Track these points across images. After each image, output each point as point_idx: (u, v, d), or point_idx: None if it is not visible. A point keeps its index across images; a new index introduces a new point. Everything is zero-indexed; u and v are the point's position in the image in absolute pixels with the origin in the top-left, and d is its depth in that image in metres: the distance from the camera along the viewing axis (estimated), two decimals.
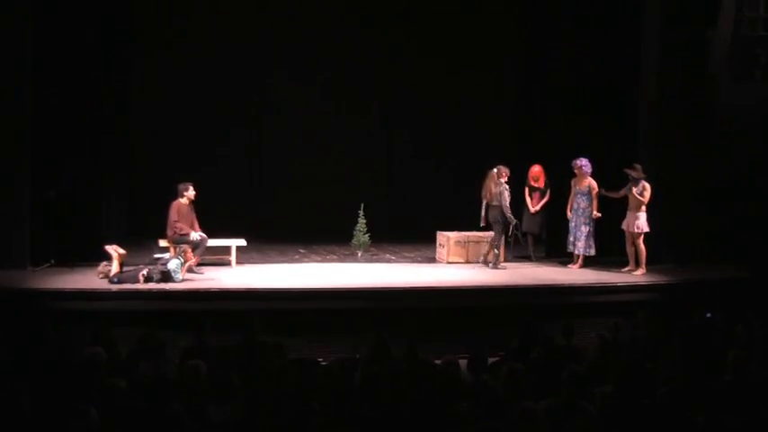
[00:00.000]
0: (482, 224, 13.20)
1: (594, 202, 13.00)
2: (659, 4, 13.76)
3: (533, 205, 13.78)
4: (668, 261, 13.26)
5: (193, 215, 12.31)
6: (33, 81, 11.96)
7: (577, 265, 13.19)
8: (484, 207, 13.13)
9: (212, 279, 11.83)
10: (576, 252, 13.17)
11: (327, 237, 14.43)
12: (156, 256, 12.36)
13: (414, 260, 13.90)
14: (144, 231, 13.50)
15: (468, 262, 13.50)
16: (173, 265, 11.41)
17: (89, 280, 11.40)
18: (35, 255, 11.96)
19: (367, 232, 13.54)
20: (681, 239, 13.41)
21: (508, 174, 13.07)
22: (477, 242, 13.59)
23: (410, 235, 14.78)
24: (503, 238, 13.07)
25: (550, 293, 12.09)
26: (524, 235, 13.77)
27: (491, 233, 13.25)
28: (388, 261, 13.78)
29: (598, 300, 11.93)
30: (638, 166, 12.63)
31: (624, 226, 12.75)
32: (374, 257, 13.81)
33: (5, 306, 10.26)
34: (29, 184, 12.05)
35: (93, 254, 11.89)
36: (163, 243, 12.35)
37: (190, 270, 11.78)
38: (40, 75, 12.01)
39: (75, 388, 6.20)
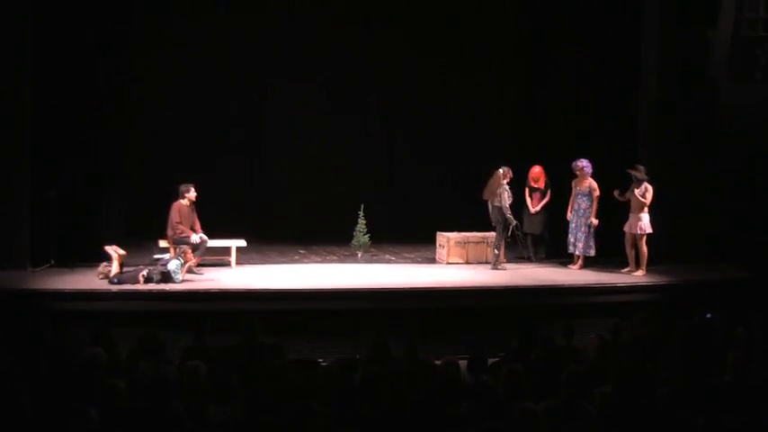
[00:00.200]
0: (493, 224, 13.18)
1: (594, 206, 12.98)
2: (659, 4, 13.77)
3: (533, 206, 13.78)
4: (668, 262, 13.25)
5: (195, 216, 12.31)
6: (33, 81, 11.96)
7: (577, 266, 13.18)
8: (490, 207, 13.13)
9: (212, 280, 11.83)
10: (577, 253, 13.16)
11: (327, 237, 14.43)
12: (156, 256, 12.36)
13: (414, 261, 13.90)
14: (144, 232, 13.49)
15: (468, 263, 13.50)
16: (173, 265, 11.41)
17: (89, 280, 11.40)
18: (35, 255, 11.96)
19: (367, 233, 13.53)
20: (680, 240, 13.40)
21: (511, 175, 13.08)
22: (477, 243, 13.59)
23: (410, 235, 14.77)
24: (503, 238, 13.07)
25: (550, 294, 12.09)
26: (525, 236, 13.77)
27: (492, 233, 13.29)
28: (388, 262, 13.78)
29: (598, 300, 11.93)
30: (641, 168, 12.62)
31: (626, 228, 12.73)
32: (374, 258, 13.80)
33: (5, 306, 10.25)
34: (29, 184, 12.05)
35: (93, 254, 11.89)
36: (163, 244, 12.35)
37: (190, 271, 11.78)
38: (40, 75, 12.01)
39: (75, 388, 6.19)
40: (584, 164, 13.04)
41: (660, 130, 13.83)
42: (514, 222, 12.97)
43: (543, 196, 13.76)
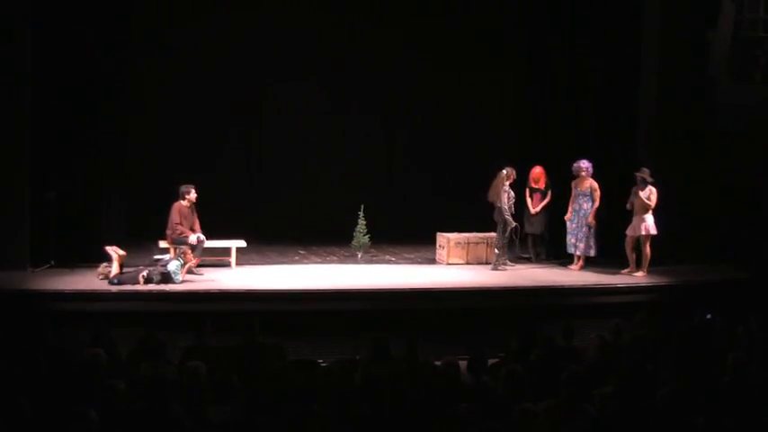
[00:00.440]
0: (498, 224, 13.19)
1: (595, 206, 12.98)
2: (659, 5, 13.77)
3: (534, 206, 13.78)
4: (668, 262, 13.25)
5: (195, 217, 12.32)
6: (33, 81, 11.96)
7: (578, 267, 13.18)
8: (495, 208, 13.14)
9: (212, 280, 11.83)
10: (578, 253, 13.16)
11: (327, 238, 14.43)
12: (156, 257, 12.37)
13: (414, 261, 13.90)
14: (144, 232, 13.49)
15: (468, 263, 13.50)
16: (173, 266, 11.41)
17: (89, 281, 11.41)
18: (35, 256, 11.96)
19: (367, 233, 13.53)
20: (681, 240, 13.40)
21: (514, 176, 13.08)
22: (477, 243, 13.60)
23: (410, 236, 14.78)
24: (505, 238, 13.07)
25: (550, 294, 12.09)
26: (524, 237, 13.75)
27: (492, 234, 13.29)
28: (388, 262, 13.78)
29: (598, 301, 11.93)
30: (646, 170, 12.60)
31: (629, 231, 12.70)
32: (374, 259, 13.81)
33: (5, 307, 10.26)
34: (29, 184, 12.05)
35: (93, 255, 11.91)
36: (163, 244, 12.35)
37: (190, 271, 11.78)
38: (40, 75, 12.01)
39: (75, 389, 6.19)
40: (586, 165, 13.04)
41: (660, 130, 13.83)
42: (513, 224, 12.97)
43: (544, 197, 13.76)
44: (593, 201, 13.01)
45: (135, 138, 14.21)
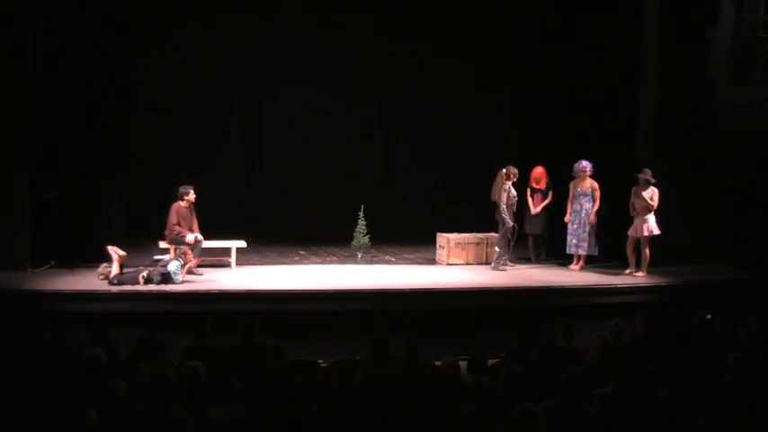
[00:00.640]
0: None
1: (596, 205, 12.99)
2: (659, 4, 13.77)
3: (535, 207, 13.77)
4: (668, 263, 13.24)
5: (193, 218, 12.32)
6: (33, 81, 11.96)
7: (578, 267, 13.18)
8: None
9: (212, 280, 11.82)
10: (581, 253, 13.14)
11: (327, 238, 14.42)
12: (157, 257, 12.37)
13: (414, 262, 13.89)
14: (144, 233, 13.48)
15: (468, 263, 13.49)
16: (173, 266, 11.41)
17: (89, 281, 11.40)
18: (35, 256, 11.95)
19: (367, 234, 13.53)
20: (681, 241, 13.39)
21: (516, 175, 13.07)
22: (477, 244, 13.59)
23: (410, 236, 14.77)
24: (505, 239, 13.06)
25: (551, 295, 12.08)
26: (524, 237, 13.74)
27: (492, 234, 13.29)
28: (388, 262, 13.77)
29: (598, 301, 11.92)
30: (648, 171, 12.59)
31: (631, 232, 12.69)
32: (374, 259, 13.80)
33: (5, 307, 10.25)
34: (29, 184, 12.05)
35: (94, 255, 11.89)
36: (163, 245, 12.34)
37: (190, 272, 11.78)
38: (40, 75, 12.00)
39: (75, 389, 6.20)
40: (587, 165, 13.04)
41: (660, 130, 13.83)
42: (509, 224, 12.95)
43: (545, 197, 13.75)
44: (593, 200, 13.01)
45: (135, 138, 14.22)
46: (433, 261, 13.87)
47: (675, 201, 13.07)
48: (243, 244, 12.83)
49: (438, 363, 6.76)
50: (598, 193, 12.98)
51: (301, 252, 14.18)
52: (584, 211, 13.06)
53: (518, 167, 13.23)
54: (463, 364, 6.92)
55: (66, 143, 12.35)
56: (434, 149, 15.79)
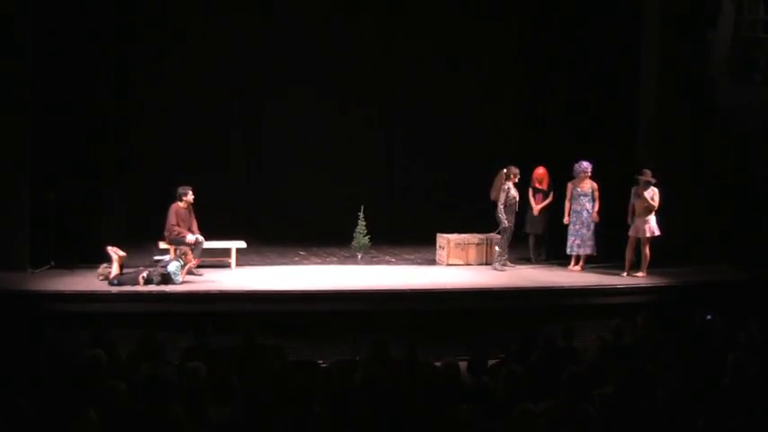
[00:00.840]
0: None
1: (597, 204, 12.99)
2: (659, 5, 13.77)
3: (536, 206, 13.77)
4: (668, 263, 13.23)
5: (192, 218, 12.31)
6: (33, 81, 11.96)
7: (578, 267, 13.17)
8: None
9: (212, 281, 11.82)
10: (582, 253, 13.13)
11: (327, 239, 14.42)
12: (156, 258, 12.36)
13: (414, 262, 13.88)
14: (144, 233, 13.48)
15: (468, 264, 13.49)
16: (172, 267, 11.41)
17: (89, 282, 11.40)
18: (35, 256, 11.94)
19: (367, 234, 13.52)
20: (681, 241, 13.39)
21: (517, 175, 13.07)
22: (477, 244, 13.59)
23: (410, 237, 14.77)
24: (505, 239, 13.06)
25: (551, 295, 12.08)
26: (524, 237, 13.73)
27: (492, 234, 13.28)
28: (388, 263, 13.77)
29: (599, 302, 11.92)
30: (648, 172, 12.59)
31: (632, 232, 12.67)
32: (374, 259, 13.80)
33: (5, 307, 10.25)
34: (29, 184, 12.04)
35: (94, 256, 11.88)
36: (163, 245, 12.34)
37: (189, 272, 11.78)
38: (40, 75, 12.00)
39: (75, 390, 6.20)
40: (588, 166, 13.04)
41: (660, 130, 13.83)
42: (505, 224, 12.94)
43: (546, 197, 13.74)
44: (594, 200, 13.01)
45: (135, 138, 14.22)
46: (433, 261, 13.87)
47: (675, 201, 13.07)
48: (243, 244, 12.82)
49: (438, 363, 6.76)
50: (598, 193, 12.99)
51: (301, 252, 14.17)
52: (584, 212, 13.05)
53: (518, 167, 13.22)
54: (463, 365, 6.92)
55: (66, 143, 12.34)
56: (434, 149, 15.78)
